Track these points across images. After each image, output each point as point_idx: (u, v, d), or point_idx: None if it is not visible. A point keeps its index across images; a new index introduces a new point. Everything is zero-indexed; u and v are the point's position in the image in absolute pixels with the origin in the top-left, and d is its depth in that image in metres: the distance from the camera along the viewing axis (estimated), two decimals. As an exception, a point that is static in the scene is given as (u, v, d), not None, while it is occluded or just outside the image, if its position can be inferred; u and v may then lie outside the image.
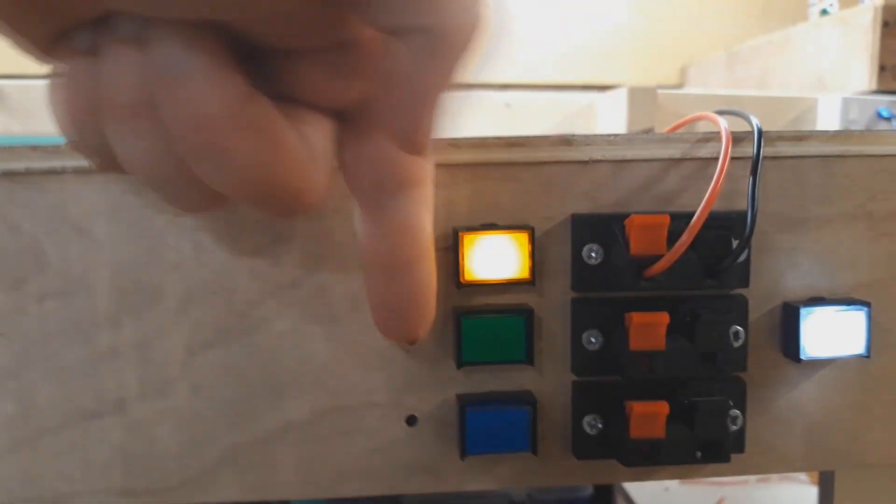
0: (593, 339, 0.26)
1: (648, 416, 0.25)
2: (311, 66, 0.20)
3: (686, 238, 0.24)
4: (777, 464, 0.28)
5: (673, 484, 0.68)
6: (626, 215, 0.25)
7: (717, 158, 0.26)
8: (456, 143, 0.26)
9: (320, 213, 0.26)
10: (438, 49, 0.18)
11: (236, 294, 0.26)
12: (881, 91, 0.82)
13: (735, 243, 0.25)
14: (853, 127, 0.79)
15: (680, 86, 1.24)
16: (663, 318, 0.25)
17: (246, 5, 0.17)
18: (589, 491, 0.61)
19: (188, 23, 0.17)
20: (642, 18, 1.26)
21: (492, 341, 0.26)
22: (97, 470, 0.27)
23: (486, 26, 0.18)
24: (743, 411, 0.27)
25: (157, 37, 0.18)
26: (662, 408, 0.25)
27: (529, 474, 0.28)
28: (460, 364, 0.26)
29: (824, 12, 0.98)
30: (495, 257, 0.26)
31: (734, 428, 0.27)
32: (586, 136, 0.26)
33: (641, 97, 0.78)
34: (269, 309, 0.26)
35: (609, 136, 0.26)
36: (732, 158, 0.26)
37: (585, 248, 0.26)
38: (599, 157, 0.26)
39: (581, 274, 0.26)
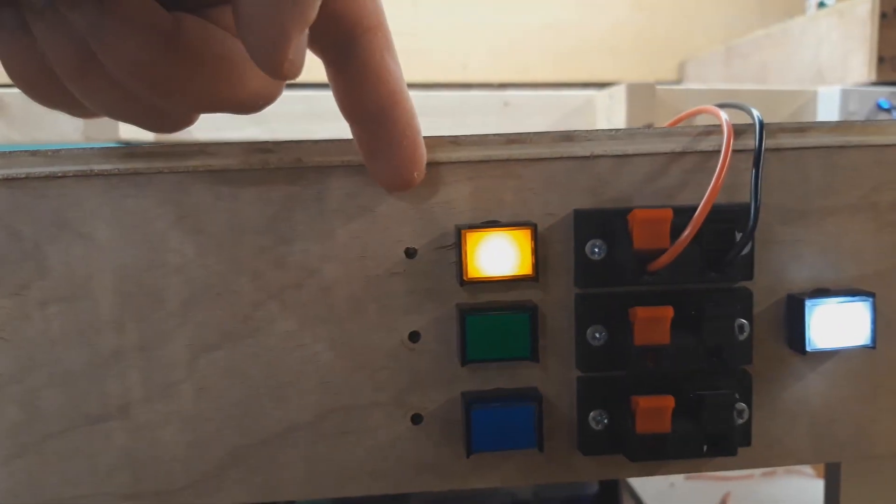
0: (598, 335, 0.26)
1: (654, 411, 0.25)
2: None
3: (689, 232, 0.24)
4: (784, 456, 0.28)
5: (678, 479, 0.67)
6: (629, 210, 0.25)
7: (718, 152, 0.26)
8: (456, 141, 0.26)
9: (322, 215, 0.26)
10: None
11: (239, 296, 0.26)
12: (880, 82, 0.82)
13: (738, 236, 0.25)
14: (853, 118, 0.79)
15: (678, 81, 1.24)
16: (668, 312, 0.25)
17: None
18: (595, 487, 0.61)
19: None
20: (640, 14, 1.26)
21: (496, 338, 0.26)
22: (103, 474, 0.27)
23: None
24: (749, 404, 0.27)
25: (69, 5, 0.19)
26: (668, 402, 0.25)
27: (535, 471, 0.28)
28: (465, 362, 0.26)
29: (822, 5, 0.98)
30: (498, 254, 0.26)
31: (740, 421, 0.27)
32: (587, 132, 0.26)
33: (640, 93, 0.78)
34: (272, 310, 0.26)
35: (610, 130, 0.26)
36: (734, 151, 0.26)
37: (588, 244, 0.26)
38: (601, 153, 0.26)
39: (584, 269, 0.26)
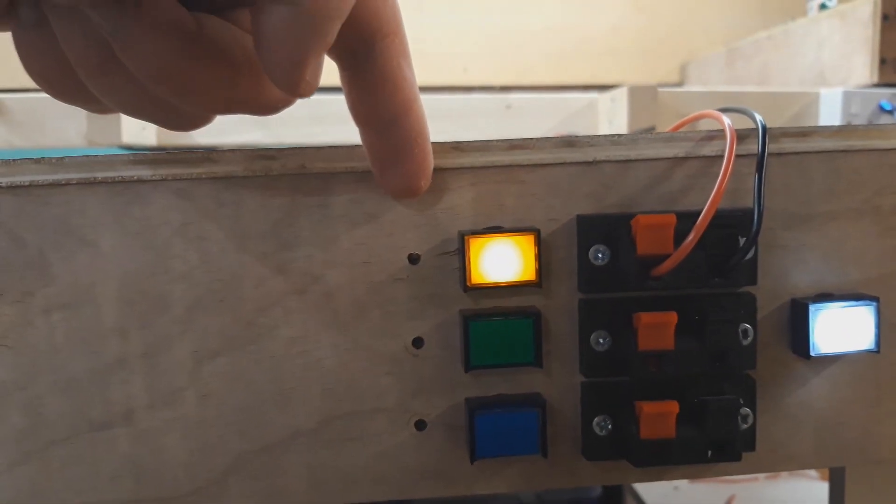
0: (601, 340, 0.26)
1: (658, 416, 0.25)
2: None
3: (693, 237, 0.24)
4: (788, 461, 0.28)
5: (682, 482, 0.67)
6: (632, 215, 0.25)
7: (721, 156, 0.26)
8: (459, 147, 0.26)
9: (325, 221, 0.26)
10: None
11: (243, 302, 0.26)
12: (882, 84, 0.82)
13: (741, 241, 0.25)
14: (855, 121, 0.79)
15: (680, 83, 1.24)
16: (671, 317, 0.25)
17: None
18: (598, 491, 0.61)
19: None
20: (641, 16, 1.26)
21: (500, 344, 0.26)
22: (106, 480, 0.27)
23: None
24: (753, 409, 0.27)
25: (90, 4, 0.18)
26: (672, 407, 0.25)
27: (539, 477, 0.28)
28: (468, 368, 0.26)
29: (823, 7, 0.98)
30: (501, 260, 0.26)
31: (745, 426, 0.27)
32: (590, 137, 0.26)
33: (642, 96, 0.78)
34: (275, 316, 0.26)
35: (613, 136, 0.26)
36: (737, 156, 0.26)
37: (592, 249, 0.26)
38: (603, 158, 0.26)
39: (588, 275, 0.26)
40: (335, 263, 0.26)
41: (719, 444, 0.26)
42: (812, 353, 0.27)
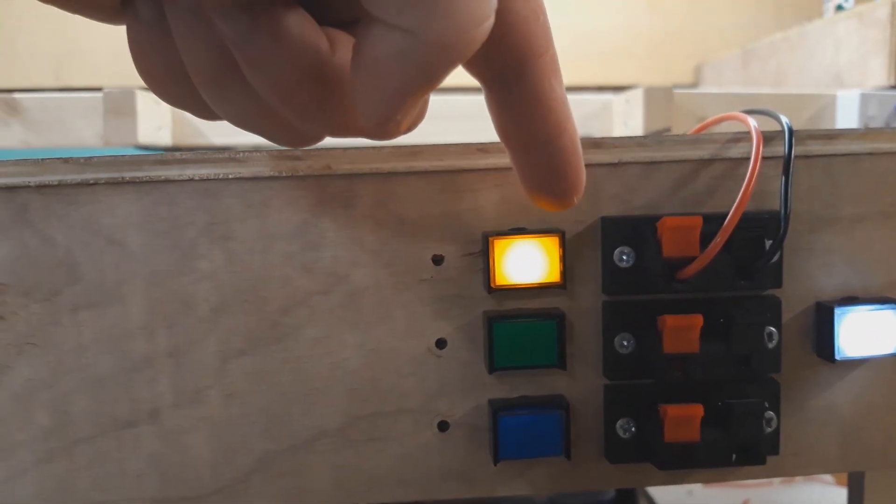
0: (626, 343, 0.26)
1: (683, 420, 0.25)
2: None
3: (720, 239, 0.24)
4: (812, 465, 0.28)
5: (696, 486, 0.67)
6: (657, 217, 0.25)
7: (746, 159, 0.26)
8: (484, 148, 0.26)
9: (350, 221, 0.26)
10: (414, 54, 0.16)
11: (268, 302, 0.26)
12: (900, 86, 0.81)
13: (767, 244, 0.25)
14: (873, 123, 0.79)
15: (694, 85, 1.24)
16: (697, 320, 0.25)
17: None
18: (611, 493, 0.61)
19: None
20: (654, 17, 1.25)
21: (523, 346, 0.26)
22: (131, 479, 0.27)
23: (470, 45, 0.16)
24: (777, 413, 0.27)
25: (219, 12, 0.17)
26: (697, 410, 0.25)
27: (562, 479, 0.28)
28: (492, 369, 0.26)
29: (840, 8, 0.98)
30: (526, 261, 0.26)
31: (769, 430, 0.27)
32: (615, 139, 0.26)
33: (658, 97, 0.77)
34: (301, 316, 0.26)
35: (638, 137, 0.26)
36: (763, 158, 0.26)
37: (616, 251, 0.26)
38: (629, 160, 0.26)
39: (612, 277, 0.26)
40: (360, 264, 0.26)
41: (744, 447, 0.26)
42: (837, 357, 0.27)
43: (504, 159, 0.26)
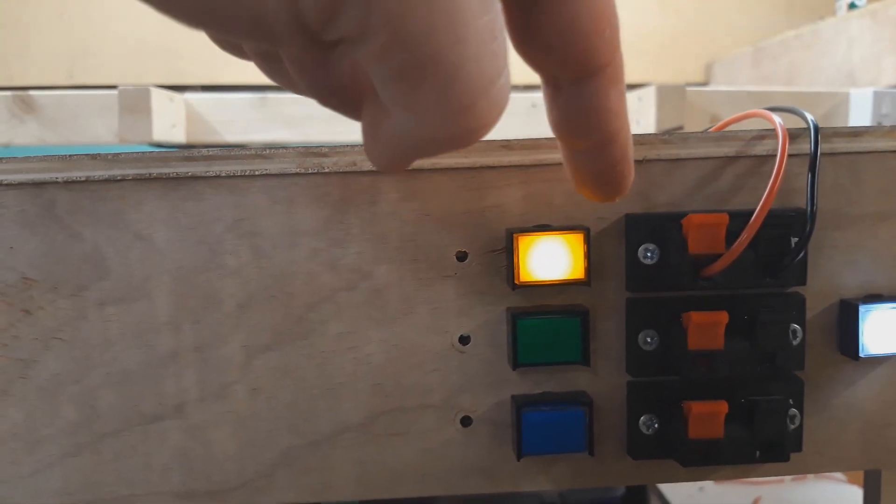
0: (649, 339, 0.26)
1: (708, 416, 0.25)
2: None
3: (746, 236, 0.24)
4: (834, 462, 0.28)
5: (708, 483, 0.67)
6: (681, 214, 0.25)
7: (772, 156, 0.26)
8: (508, 145, 0.26)
9: (375, 218, 0.26)
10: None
11: (293, 298, 0.26)
12: (914, 84, 0.81)
13: (793, 241, 0.25)
14: (886, 121, 0.78)
15: (705, 83, 1.24)
16: (722, 317, 0.25)
17: None
18: (621, 490, 0.61)
19: None
20: (666, 16, 1.25)
21: (547, 342, 0.26)
22: (157, 473, 0.27)
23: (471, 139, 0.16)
24: (801, 410, 0.27)
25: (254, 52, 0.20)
26: (722, 407, 0.25)
27: (585, 475, 0.28)
28: (516, 365, 0.26)
29: (853, 6, 0.97)
30: (550, 258, 0.26)
31: (792, 427, 0.27)
32: (640, 136, 0.26)
33: (670, 95, 0.77)
34: (325, 312, 0.26)
35: (663, 134, 0.26)
36: (788, 155, 0.26)
37: (641, 248, 0.26)
38: (653, 157, 0.26)
39: (636, 274, 0.26)
40: (384, 260, 0.26)
41: (768, 444, 0.26)
42: (861, 355, 0.27)
43: (528, 156, 0.26)
